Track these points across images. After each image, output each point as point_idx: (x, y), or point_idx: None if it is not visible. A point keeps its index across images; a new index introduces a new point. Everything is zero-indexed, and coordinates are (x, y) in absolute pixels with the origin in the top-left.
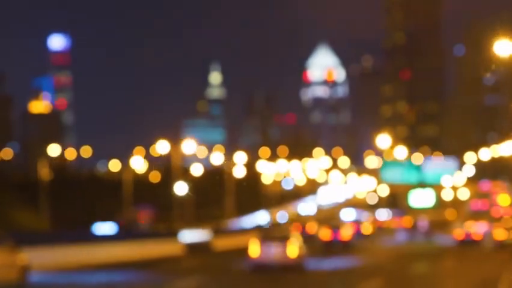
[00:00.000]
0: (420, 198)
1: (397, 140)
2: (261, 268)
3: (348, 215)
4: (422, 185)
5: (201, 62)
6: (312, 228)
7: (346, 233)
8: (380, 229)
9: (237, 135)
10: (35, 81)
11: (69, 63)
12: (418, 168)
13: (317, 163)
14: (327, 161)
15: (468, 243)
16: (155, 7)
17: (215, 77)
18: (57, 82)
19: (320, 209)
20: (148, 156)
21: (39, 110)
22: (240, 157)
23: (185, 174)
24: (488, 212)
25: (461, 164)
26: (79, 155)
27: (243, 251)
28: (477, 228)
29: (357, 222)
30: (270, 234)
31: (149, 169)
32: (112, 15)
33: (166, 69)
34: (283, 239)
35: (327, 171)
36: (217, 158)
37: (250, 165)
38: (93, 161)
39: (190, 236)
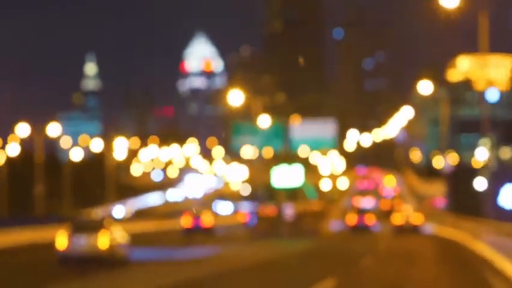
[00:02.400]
0: (286, 176)
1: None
2: (68, 261)
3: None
4: (287, 156)
5: (75, 53)
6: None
7: (207, 220)
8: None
9: (113, 127)
10: None
11: None
12: (282, 132)
13: (186, 153)
14: (195, 151)
15: (360, 229)
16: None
17: (90, 68)
18: None
19: (171, 202)
20: None
21: None
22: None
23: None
24: (375, 191)
25: (341, 152)
26: None
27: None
28: (365, 203)
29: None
30: (81, 224)
31: None
32: None
33: (40, 60)
34: (95, 229)
35: (187, 159)
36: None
37: (99, 155)
38: None
39: None
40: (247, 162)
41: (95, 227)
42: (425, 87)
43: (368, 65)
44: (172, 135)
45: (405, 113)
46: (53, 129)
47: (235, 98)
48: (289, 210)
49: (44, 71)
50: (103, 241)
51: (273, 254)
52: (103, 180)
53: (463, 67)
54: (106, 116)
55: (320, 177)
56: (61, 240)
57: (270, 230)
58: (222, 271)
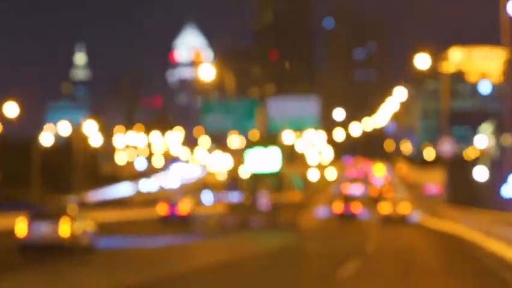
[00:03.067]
0: (261, 161)
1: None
2: (27, 249)
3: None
4: (264, 137)
5: (65, 43)
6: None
7: (184, 208)
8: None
9: (101, 117)
10: None
11: None
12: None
13: (169, 141)
14: (179, 140)
15: (347, 217)
16: None
17: (80, 58)
18: None
19: (144, 193)
20: None
21: None
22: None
23: None
24: (365, 179)
25: (329, 141)
26: None
27: None
28: (354, 190)
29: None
30: (42, 211)
31: None
32: None
33: (30, 49)
34: (56, 216)
35: (167, 147)
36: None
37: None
38: None
39: None
40: (231, 150)
41: (57, 214)
42: (422, 61)
43: (358, 55)
44: (159, 124)
45: (398, 96)
46: (11, 109)
47: (207, 72)
48: (263, 200)
49: (32, 60)
50: (64, 229)
51: (233, 253)
52: (74, 167)
53: (455, 59)
54: (95, 105)
55: (307, 167)
56: (21, 227)
57: (242, 221)
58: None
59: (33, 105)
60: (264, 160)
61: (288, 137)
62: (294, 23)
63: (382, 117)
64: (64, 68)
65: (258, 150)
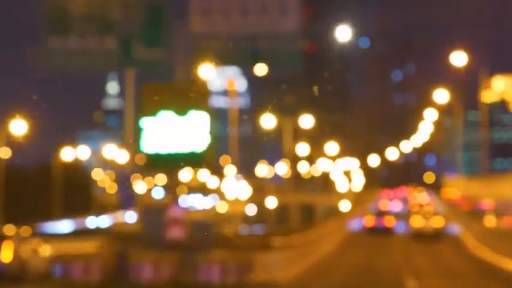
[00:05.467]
0: (170, 133)
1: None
2: None
3: None
4: None
5: (98, 72)
6: None
7: None
8: None
9: (132, 146)
10: None
11: None
12: None
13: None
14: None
15: (379, 230)
16: None
17: (113, 87)
18: None
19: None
20: None
21: None
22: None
23: None
24: (403, 199)
25: (364, 167)
26: None
27: None
28: (393, 206)
29: None
30: None
31: None
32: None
33: (62, 77)
34: None
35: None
36: None
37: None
38: None
39: None
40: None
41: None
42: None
43: (396, 77)
44: None
45: (430, 117)
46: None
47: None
48: (171, 216)
49: (65, 89)
50: (6, 254)
51: None
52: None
53: (498, 88)
54: (126, 135)
55: (336, 195)
56: None
57: (115, 268)
58: None
59: (66, 134)
60: (178, 132)
61: (303, 150)
62: (331, 48)
63: (419, 139)
64: (96, 96)
65: (166, 114)
